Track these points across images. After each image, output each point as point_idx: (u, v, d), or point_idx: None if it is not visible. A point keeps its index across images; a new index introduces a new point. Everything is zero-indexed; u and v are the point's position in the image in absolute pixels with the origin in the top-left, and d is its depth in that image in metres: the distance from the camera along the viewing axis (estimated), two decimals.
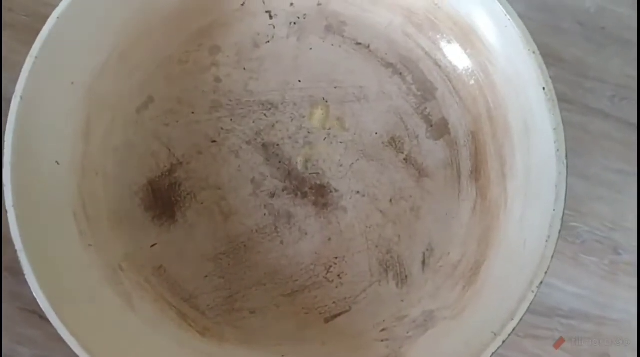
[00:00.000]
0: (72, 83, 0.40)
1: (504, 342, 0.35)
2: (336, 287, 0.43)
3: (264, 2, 0.46)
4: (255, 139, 0.45)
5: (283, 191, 0.44)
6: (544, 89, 0.38)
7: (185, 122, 0.44)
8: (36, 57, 0.37)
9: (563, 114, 0.38)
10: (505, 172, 0.42)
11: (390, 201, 0.44)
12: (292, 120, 0.45)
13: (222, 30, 0.46)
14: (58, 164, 0.40)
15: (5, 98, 0.37)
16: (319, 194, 0.44)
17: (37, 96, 0.38)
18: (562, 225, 0.36)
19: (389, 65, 0.46)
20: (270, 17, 0.46)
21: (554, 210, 0.36)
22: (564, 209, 0.36)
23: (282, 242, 0.43)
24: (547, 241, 0.36)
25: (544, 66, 0.38)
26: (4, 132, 0.37)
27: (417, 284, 0.43)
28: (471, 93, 0.44)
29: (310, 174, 0.44)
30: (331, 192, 0.44)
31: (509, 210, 0.41)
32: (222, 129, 0.45)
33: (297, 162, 0.44)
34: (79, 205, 0.41)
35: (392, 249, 0.43)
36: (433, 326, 0.41)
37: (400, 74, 0.45)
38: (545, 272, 0.36)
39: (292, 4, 0.46)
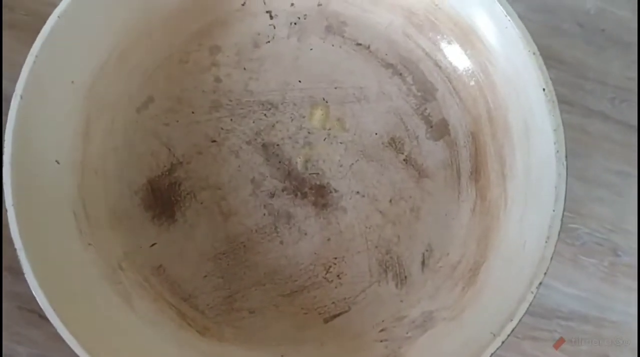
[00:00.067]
0: (72, 82, 0.40)
1: (503, 343, 0.35)
2: (335, 287, 0.43)
3: (264, 2, 0.46)
4: (255, 139, 0.45)
5: (283, 191, 0.44)
6: (544, 90, 0.38)
7: (185, 122, 0.44)
8: (36, 56, 0.37)
9: (563, 115, 0.38)
10: (505, 173, 0.42)
11: (390, 201, 0.44)
12: (292, 120, 0.45)
13: (222, 30, 0.46)
14: (58, 163, 0.40)
15: (6, 98, 0.37)
16: (318, 195, 0.44)
17: (37, 95, 0.38)
18: (561, 226, 0.36)
19: (389, 65, 0.46)
20: (271, 17, 0.46)
21: (553, 211, 0.36)
22: (564, 210, 0.36)
23: (281, 242, 0.43)
24: (546, 242, 0.36)
25: (544, 67, 0.38)
26: (4, 131, 0.36)
27: (417, 284, 0.43)
28: (471, 94, 0.44)
29: (310, 174, 0.44)
30: (331, 192, 0.44)
31: (508, 211, 0.41)
32: (222, 129, 0.45)
33: (297, 163, 0.44)
34: (79, 204, 0.41)
35: (392, 250, 0.43)
36: (432, 326, 0.41)
37: (401, 74, 0.46)
38: (545, 273, 0.36)
39: (292, 4, 0.46)
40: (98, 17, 0.41)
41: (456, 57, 0.45)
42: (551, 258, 0.36)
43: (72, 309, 0.36)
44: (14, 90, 0.37)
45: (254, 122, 0.45)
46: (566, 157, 0.37)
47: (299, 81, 0.45)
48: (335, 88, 0.45)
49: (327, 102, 0.45)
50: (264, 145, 0.45)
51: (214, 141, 0.44)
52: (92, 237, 0.40)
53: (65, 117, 0.40)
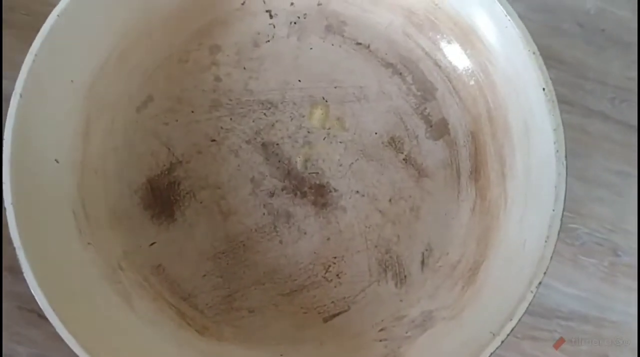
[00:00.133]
0: (72, 81, 0.40)
1: (502, 342, 0.35)
2: (335, 286, 0.43)
3: (264, 2, 0.46)
4: (255, 139, 0.45)
5: (282, 190, 0.44)
6: (544, 89, 0.38)
7: (185, 121, 0.44)
8: (36, 55, 0.37)
9: (563, 115, 0.38)
10: (504, 173, 0.42)
11: (390, 200, 0.44)
12: (291, 119, 0.45)
13: (222, 29, 0.46)
14: (57, 162, 0.40)
15: (6, 97, 0.37)
16: (318, 194, 0.44)
17: (37, 94, 0.38)
18: (561, 226, 0.36)
19: (389, 65, 0.46)
20: (271, 16, 0.46)
21: (553, 210, 0.36)
22: (564, 210, 0.36)
23: (281, 242, 0.43)
24: (546, 242, 0.36)
25: (544, 67, 0.38)
26: (5, 130, 0.37)
27: (416, 284, 0.43)
28: (471, 93, 0.44)
29: (309, 173, 0.44)
30: (330, 191, 0.44)
31: (508, 210, 0.41)
32: (221, 128, 0.45)
33: (296, 162, 0.44)
34: (78, 203, 0.41)
35: (391, 249, 0.43)
36: (432, 326, 0.40)
37: (400, 74, 0.46)
38: (544, 273, 0.36)
39: (292, 4, 0.46)
40: (98, 16, 0.41)
41: (456, 56, 0.45)
42: (551, 258, 0.36)
43: (71, 309, 0.36)
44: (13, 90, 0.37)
45: (253, 121, 0.45)
46: (566, 156, 0.37)
47: (299, 80, 0.45)
48: (335, 87, 0.45)
49: (326, 101, 0.45)
50: (263, 145, 0.44)
51: (214, 140, 0.44)
52: (91, 237, 0.40)
53: (65, 117, 0.40)
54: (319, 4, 0.46)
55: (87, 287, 0.39)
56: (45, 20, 0.38)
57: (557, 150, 0.37)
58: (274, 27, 0.46)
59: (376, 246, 0.43)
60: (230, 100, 0.45)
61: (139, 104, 0.44)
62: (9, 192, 0.36)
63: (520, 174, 0.41)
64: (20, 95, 0.37)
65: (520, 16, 0.39)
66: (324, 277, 0.43)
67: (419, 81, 0.45)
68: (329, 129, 0.45)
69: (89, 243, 0.40)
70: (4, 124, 0.36)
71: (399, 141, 0.45)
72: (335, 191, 0.44)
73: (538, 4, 0.50)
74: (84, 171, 0.41)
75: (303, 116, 0.45)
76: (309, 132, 0.45)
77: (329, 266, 0.43)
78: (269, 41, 0.46)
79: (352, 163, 0.44)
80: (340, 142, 0.45)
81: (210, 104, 0.45)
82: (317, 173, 0.44)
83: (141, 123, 0.44)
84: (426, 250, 0.43)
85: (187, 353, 0.40)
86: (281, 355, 0.41)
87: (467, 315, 0.39)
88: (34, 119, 0.38)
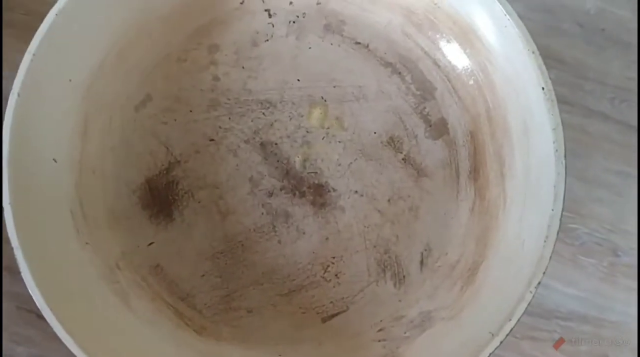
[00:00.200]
0: (70, 81, 0.40)
1: (501, 342, 0.35)
2: (333, 286, 0.43)
3: (263, 1, 0.46)
4: (254, 138, 0.44)
5: (281, 190, 0.44)
6: (543, 89, 0.38)
7: (183, 121, 0.44)
8: (34, 54, 0.37)
9: (563, 115, 0.38)
10: (504, 173, 0.42)
11: (389, 200, 0.44)
12: (290, 119, 0.45)
13: (221, 28, 0.45)
14: (55, 161, 0.40)
15: (5, 96, 0.37)
16: (317, 194, 0.44)
17: (35, 93, 0.38)
18: (560, 225, 0.36)
19: (388, 64, 0.46)
20: (269, 15, 0.46)
21: (552, 210, 0.36)
22: (563, 210, 0.36)
23: (279, 242, 0.43)
24: (545, 241, 0.36)
25: (544, 66, 0.38)
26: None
27: (415, 284, 0.43)
28: (470, 93, 0.44)
29: (308, 173, 0.44)
30: (329, 191, 0.44)
31: (507, 210, 0.41)
32: (220, 127, 0.44)
33: (295, 161, 0.44)
34: (76, 203, 0.41)
35: (390, 249, 0.43)
36: (430, 326, 0.40)
37: (399, 73, 0.45)
38: (544, 273, 0.36)
39: (291, 3, 0.46)
40: (96, 15, 0.41)
41: (455, 56, 0.45)
42: (550, 258, 0.36)
43: (69, 309, 0.36)
44: None
45: (252, 121, 0.45)
46: (565, 156, 0.37)
47: (298, 80, 0.45)
48: (334, 87, 0.45)
49: (325, 101, 0.45)
50: (262, 144, 0.44)
51: (212, 140, 0.44)
52: (89, 236, 0.40)
53: (63, 116, 0.40)
54: (318, 3, 0.46)
55: (85, 287, 0.39)
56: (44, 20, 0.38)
57: (557, 150, 0.37)
58: (273, 26, 0.46)
59: (375, 246, 0.43)
60: (229, 99, 0.45)
61: (137, 104, 0.44)
62: (6, 192, 0.36)
63: (520, 174, 0.41)
64: (18, 95, 0.37)
65: (519, 16, 0.39)
66: (323, 277, 0.43)
67: (418, 81, 0.45)
68: (328, 128, 0.45)
69: (86, 243, 0.40)
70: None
71: (398, 141, 0.45)
72: (334, 190, 0.44)
73: (538, 3, 0.50)
74: (82, 171, 0.41)
75: (302, 116, 0.45)
76: (307, 131, 0.45)
77: (328, 266, 0.43)
78: (267, 40, 0.46)
79: (351, 163, 0.44)
80: (339, 142, 0.45)
81: (209, 103, 0.45)
82: (316, 173, 0.44)
83: (139, 122, 0.44)
84: (425, 250, 0.43)
85: (185, 353, 0.40)
86: (279, 355, 0.41)
87: (466, 315, 0.39)
88: (32, 119, 0.38)
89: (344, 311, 0.42)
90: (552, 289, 0.46)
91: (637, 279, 0.47)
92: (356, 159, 0.44)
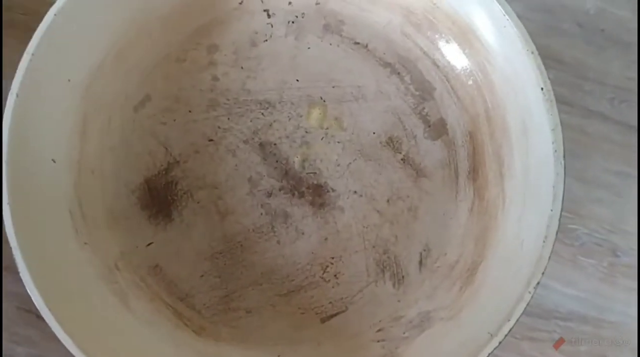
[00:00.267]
0: (69, 81, 0.40)
1: (500, 343, 0.35)
2: (332, 287, 0.43)
3: (262, 1, 0.46)
4: (253, 138, 0.44)
5: (280, 190, 0.44)
6: (542, 89, 0.38)
7: (183, 121, 0.44)
8: (33, 55, 0.37)
9: (562, 115, 0.38)
10: (503, 173, 0.42)
11: (388, 201, 0.44)
12: (289, 119, 0.45)
13: (220, 28, 0.45)
14: (54, 162, 0.40)
15: (5, 97, 0.37)
16: (316, 194, 0.44)
17: (34, 94, 0.37)
18: (559, 226, 0.36)
19: (387, 64, 0.46)
20: (268, 15, 0.46)
21: (551, 210, 0.36)
22: (562, 210, 0.36)
23: (278, 242, 0.43)
24: (544, 242, 0.36)
25: (542, 66, 0.38)
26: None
27: (414, 284, 0.43)
28: (469, 93, 0.44)
29: (307, 173, 0.44)
30: (328, 191, 0.44)
31: (506, 210, 0.41)
32: (219, 127, 0.44)
33: (294, 162, 0.44)
34: (75, 203, 0.41)
35: (389, 249, 0.43)
36: (429, 326, 0.40)
37: (399, 73, 0.45)
38: (543, 273, 0.36)
39: (290, 3, 0.46)
40: (96, 15, 0.41)
41: (454, 56, 0.45)
42: (549, 258, 0.36)
43: (67, 309, 0.36)
44: None
45: (251, 121, 0.45)
46: (564, 156, 0.37)
47: (297, 80, 0.45)
48: (333, 87, 0.45)
49: (324, 101, 0.45)
50: (261, 145, 0.44)
51: (211, 140, 0.44)
52: (88, 237, 0.40)
53: (62, 116, 0.40)
54: (317, 3, 0.46)
55: (84, 288, 0.39)
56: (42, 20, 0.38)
57: (556, 150, 0.37)
58: (272, 26, 0.46)
59: (374, 246, 0.43)
60: (228, 99, 0.45)
61: (136, 104, 0.44)
62: (5, 192, 0.36)
63: (519, 174, 0.41)
64: (17, 95, 0.37)
65: (519, 16, 0.39)
66: (322, 278, 0.43)
67: (417, 81, 0.45)
68: (327, 128, 0.45)
69: (85, 243, 0.40)
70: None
71: (397, 141, 0.45)
72: (333, 191, 0.44)
73: (537, 3, 0.50)
74: (81, 171, 0.41)
75: (301, 116, 0.45)
76: (306, 132, 0.45)
77: (327, 266, 0.43)
78: (266, 40, 0.46)
79: (350, 163, 0.44)
80: (338, 142, 0.45)
81: (208, 103, 0.45)
82: (315, 173, 0.44)
83: (138, 122, 0.44)
84: (424, 250, 0.43)
85: (184, 354, 0.40)
86: (278, 356, 0.41)
87: (465, 315, 0.39)
88: (30, 119, 0.38)
89: (343, 311, 0.42)
90: (552, 290, 0.46)
91: (637, 280, 0.47)
92: (355, 159, 0.44)
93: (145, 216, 0.43)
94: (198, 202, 0.43)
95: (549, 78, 0.38)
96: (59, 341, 0.34)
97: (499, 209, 0.42)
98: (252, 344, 0.41)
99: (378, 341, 0.41)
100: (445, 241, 0.43)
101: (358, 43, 0.46)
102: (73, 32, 0.39)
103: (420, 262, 0.43)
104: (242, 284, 0.43)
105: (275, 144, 0.44)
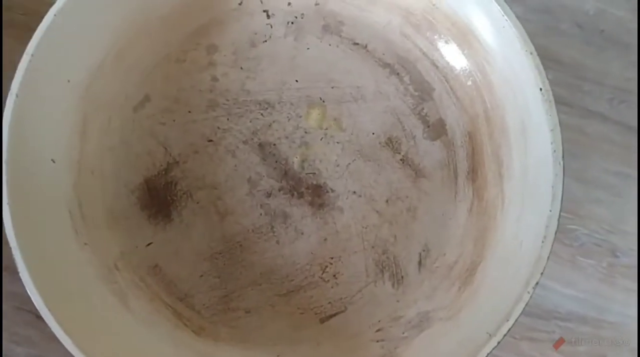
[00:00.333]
0: (69, 81, 0.40)
1: (499, 343, 0.35)
2: (332, 287, 0.43)
3: (261, 2, 0.46)
4: (252, 139, 0.44)
5: (279, 190, 0.44)
6: (540, 89, 0.38)
7: (182, 121, 0.44)
8: (32, 55, 0.37)
9: (561, 116, 0.38)
10: (502, 173, 0.42)
11: (387, 201, 0.44)
12: (288, 120, 0.45)
13: (219, 29, 0.46)
14: (54, 162, 0.40)
15: (5, 97, 0.37)
16: (315, 194, 0.44)
17: (33, 94, 0.37)
18: (558, 226, 0.36)
19: (386, 65, 0.46)
20: (268, 16, 0.46)
21: (550, 211, 0.36)
22: (561, 210, 0.36)
23: (278, 242, 0.43)
24: (543, 242, 0.36)
25: (541, 67, 0.38)
26: None
27: (413, 284, 0.43)
28: (468, 93, 0.44)
29: (306, 174, 0.44)
30: (327, 192, 0.44)
31: (505, 211, 0.41)
32: (218, 128, 0.44)
33: (293, 162, 0.44)
34: (75, 203, 0.41)
35: (388, 250, 0.43)
36: (429, 326, 0.40)
37: (398, 74, 0.45)
38: (541, 273, 0.36)
39: (289, 4, 0.46)
40: (96, 15, 0.41)
41: (453, 56, 0.45)
42: (548, 258, 0.36)
43: (67, 309, 0.36)
44: None
45: (250, 121, 0.45)
46: (563, 157, 0.37)
47: (296, 81, 0.45)
48: (332, 87, 0.45)
49: (324, 101, 0.45)
50: (260, 145, 0.44)
51: (211, 141, 0.44)
52: (88, 237, 0.40)
53: (61, 116, 0.40)
54: (316, 4, 0.46)
55: (84, 288, 0.39)
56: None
57: (554, 151, 0.37)
58: (271, 27, 0.46)
59: (373, 247, 0.43)
60: (227, 100, 0.45)
61: (135, 104, 0.44)
62: (5, 192, 0.36)
63: (518, 175, 0.41)
64: (17, 95, 0.37)
65: (518, 17, 0.39)
66: (321, 278, 0.43)
67: (417, 81, 0.45)
68: (326, 129, 0.45)
69: (85, 243, 0.40)
70: None
71: (396, 142, 0.45)
72: (332, 191, 0.44)
73: (537, 4, 0.50)
74: (80, 171, 0.41)
75: (300, 116, 0.45)
76: (306, 132, 0.45)
77: (326, 266, 0.43)
78: (266, 41, 0.46)
79: (349, 163, 0.44)
80: (338, 143, 0.45)
81: (207, 104, 0.45)
82: (314, 173, 0.44)
83: (138, 123, 0.44)
84: (423, 250, 0.43)
85: (183, 354, 0.40)
86: (278, 356, 0.41)
87: (464, 316, 0.39)
88: (30, 119, 0.38)
89: (342, 312, 0.42)
90: (551, 290, 0.46)
91: (637, 280, 0.47)
92: (354, 159, 0.44)
93: (144, 216, 0.43)
94: (197, 203, 0.43)
95: (548, 78, 0.38)
96: (58, 341, 0.34)
97: (498, 209, 0.42)
98: (252, 344, 0.41)
99: (377, 341, 0.41)
100: (444, 241, 0.43)
101: (357, 44, 0.46)
102: (73, 33, 0.39)
103: (420, 263, 0.43)
104: (242, 284, 0.43)
105: (274, 145, 0.44)
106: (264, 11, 0.46)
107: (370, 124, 0.45)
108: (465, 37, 0.43)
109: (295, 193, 0.44)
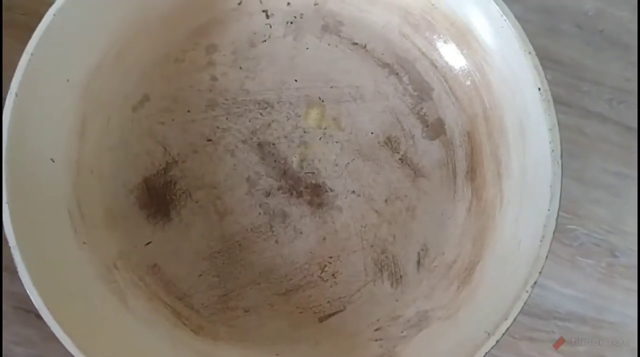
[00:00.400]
0: (68, 81, 0.40)
1: (497, 342, 0.35)
2: (331, 286, 0.43)
3: (260, 2, 0.46)
4: (251, 138, 0.44)
5: (278, 190, 0.44)
6: (539, 89, 0.38)
7: (181, 121, 0.44)
8: (31, 54, 0.37)
9: (560, 116, 0.38)
10: (500, 173, 0.42)
11: (386, 200, 0.44)
12: (288, 119, 0.45)
13: (219, 29, 0.46)
14: (53, 161, 0.40)
15: (5, 97, 0.37)
16: (314, 194, 0.44)
17: (32, 93, 0.38)
18: (556, 225, 0.36)
19: (385, 65, 0.46)
20: (267, 16, 0.46)
21: (548, 210, 0.36)
22: (559, 210, 0.36)
23: (277, 242, 0.43)
24: (541, 241, 0.36)
25: (540, 67, 0.38)
26: None
27: (412, 284, 0.43)
28: (467, 93, 0.44)
29: (305, 173, 0.44)
30: (326, 191, 0.44)
31: (504, 210, 0.41)
32: (217, 127, 0.44)
33: (292, 162, 0.44)
34: (74, 203, 0.41)
35: (387, 249, 0.43)
36: (427, 325, 0.40)
37: (397, 74, 0.45)
38: (540, 273, 0.36)
39: (288, 4, 0.46)
40: (95, 14, 0.41)
41: (452, 56, 0.45)
42: (546, 257, 0.36)
43: (66, 308, 0.36)
44: None
45: (249, 121, 0.45)
46: (561, 156, 0.37)
47: (295, 80, 0.45)
48: (331, 87, 0.45)
49: (323, 101, 0.45)
50: (259, 144, 0.44)
51: (210, 140, 0.44)
52: (86, 236, 0.40)
53: (60, 116, 0.40)
54: (315, 4, 0.46)
55: (83, 287, 0.39)
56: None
57: (553, 150, 0.37)
58: (271, 27, 0.46)
59: (372, 246, 0.43)
60: (227, 100, 0.45)
61: (135, 103, 0.44)
62: (4, 191, 0.36)
63: (516, 174, 0.41)
64: (16, 95, 0.37)
65: (518, 17, 0.39)
66: (320, 277, 0.43)
67: (416, 81, 0.45)
68: (325, 128, 0.45)
69: (84, 243, 0.40)
70: None
71: (395, 141, 0.45)
72: (331, 190, 0.44)
73: (536, 5, 0.50)
74: (79, 170, 0.41)
75: (299, 116, 0.45)
76: (305, 132, 0.45)
77: (325, 265, 0.43)
78: (265, 41, 0.46)
79: (348, 163, 0.44)
80: (336, 142, 0.45)
81: (207, 103, 0.45)
82: (313, 173, 0.44)
83: (137, 122, 0.44)
84: (422, 250, 0.43)
85: (182, 353, 0.40)
86: (277, 355, 0.41)
87: (463, 315, 0.39)
88: (29, 118, 0.38)
89: (341, 311, 0.42)
90: (550, 290, 0.46)
91: (637, 280, 0.46)
92: (353, 159, 0.45)
93: (143, 215, 0.43)
94: (196, 202, 0.44)
95: (547, 79, 0.38)
96: (58, 340, 0.34)
97: (497, 208, 0.42)
98: (250, 343, 0.41)
99: (376, 340, 0.41)
100: (443, 240, 0.43)
101: (356, 43, 0.46)
102: (72, 32, 0.40)
103: (418, 262, 0.43)
104: (241, 283, 0.43)
105: (273, 144, 0.44)
106: (263, 11, 0.46)
107: (369, 123, 0.45)
108: (464, 37, 0.43)
109: (294, 192, 0.44)
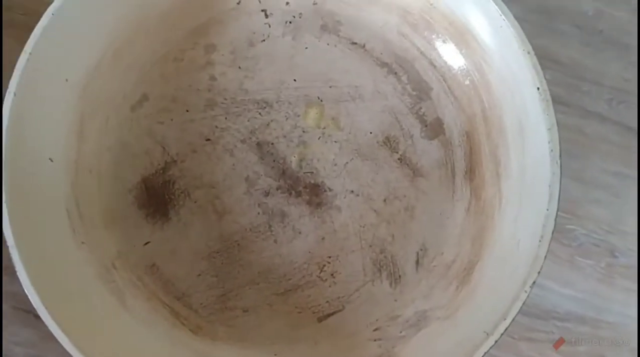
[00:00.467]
0: (67, 80, 0.40)
1: (496, 342, 0.35)
2: (329, 286, 0.43)
3: (259, 1, 0.46)
4: (250, 138, 0.44)
5: (277, 189, 0.44)
6: (538, 89, 0.38)
7: (180, 121, 0.44)
8: (30, 54, 0.37)
9: (559, 116, 0.38)
10: (499, 172, 0.42)
11: (385, 200, 0.44)
12: (286, 119, 0.45)
13: (217, 28, 0.46)
14: (52, 161, 0.40)
15: (4, 97, 0.37)
16: (313, 193, 0.44)
17: (31, 93, 0.38)
18: (555, 225, 0.36)
19: (384, 64, 0.46)
20: (266, 16, 0.46)
21: (547, 210, 0.36)
22: (558, 210, 0.36)
23: (275, 241, 0.43)
24: (540, 241, 0.36)
25: (539, 66, 0.38)
26: None
27: (411, 283, 0.43)
28: (466, 93, 0.44)
29: (304, 173, 0.44)
30: (325, 191, 0.44)
31: (503, 210, 0.41)
32: (216, 127, 0.44)
33: (291, 161, 0.44)
34: (72, 202, 0.41)
35: (386, 249, 0.43)
36: (426, 325, 0.40)
37: (396, 73, 0.45)
38: (538, 273, 0.36)
39: (287, 3, 0.46)
40: (93, 14, 0.41)
41: (451, 56, 0.45)
42: (545, 257, 0.36)
43: (64, 308, 0.36)
44: None
45: (248, 120, 0.45)
46: (560, 156, 0.37)
47: (294, 80, 0.45)
48: (330, 87, 0.45)
49: (322, 101, 0.45)
50: (258, 144, 0.44)
51: (209, 140, 0.44)
52: (85, 236, 0.40)
53: (59, 116, 0.40)
54: (314, 4, 0.46)
55: (81, 287, 0.39)
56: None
57: (552, 150, 0.37)
58: (270, 26, 0.46)
59: (371, 246, 0.43)
60: (225, 99, 0.45)
61: (133, 103, 0.44)
62: (3, 191, 0.36)
63: (515, 174, 0.41)
64: (15, 94, 0.37)
65: (517, 17, 0.39)
66: (319, 277, 0.43)
67: (414, 81, 0.45)
68: (324, 128, 0.45)
69: (82, 242, 0.40)
70: None
71: (394, 141, 0.45)
72: (330, 190, 0.44)
73: (535, 5, 0.50)
74: (78, 170, 0.41)
75: (298, 116, 0.45)
76: (304, 131, 0.45)
77: (324, 265, 0.43)
78: (264, 40, 0.46)
79: (347, 163, 0.44)
80: (335, 142, 0.45)
81: (205, 103, 0.45)
82: (312, 172, 0.44)
83: (136, 122, 0.44)
84: (421, 250, 0.43)
85: (181, 352, 0.40)
86: (275, 355, 0.41)
87: (462, 315, 0.39)
88: (28, 118, 0.38)
89: (340, 311, 0.42)
90: (550, 290, 0.46)
91: (637, 280, 0.46)
92: (352, 158, 0.44)
93: (142, 215, 0.43)
94: (195, 202, 0.44)
95: (546, 78, 0.38)
96: (56, 340, 0.34)
97: (496, 208, 0.42)
98: (249, 343, 0.41)
99: (375, 340, 0.41)
100: (441, 240, 0.43)
101: (355, 43, 0.46)
102: (71, 32, 0.40)
103: (417, 262, 0.43)
104: (239, 283, 0.43)
105: (272, 144, 0.44)
106: (262, 10, 0.46)
107: (368, 123, 0.45)
108: (462, 37, 0.43)
109: (293, 192, 0.44)
